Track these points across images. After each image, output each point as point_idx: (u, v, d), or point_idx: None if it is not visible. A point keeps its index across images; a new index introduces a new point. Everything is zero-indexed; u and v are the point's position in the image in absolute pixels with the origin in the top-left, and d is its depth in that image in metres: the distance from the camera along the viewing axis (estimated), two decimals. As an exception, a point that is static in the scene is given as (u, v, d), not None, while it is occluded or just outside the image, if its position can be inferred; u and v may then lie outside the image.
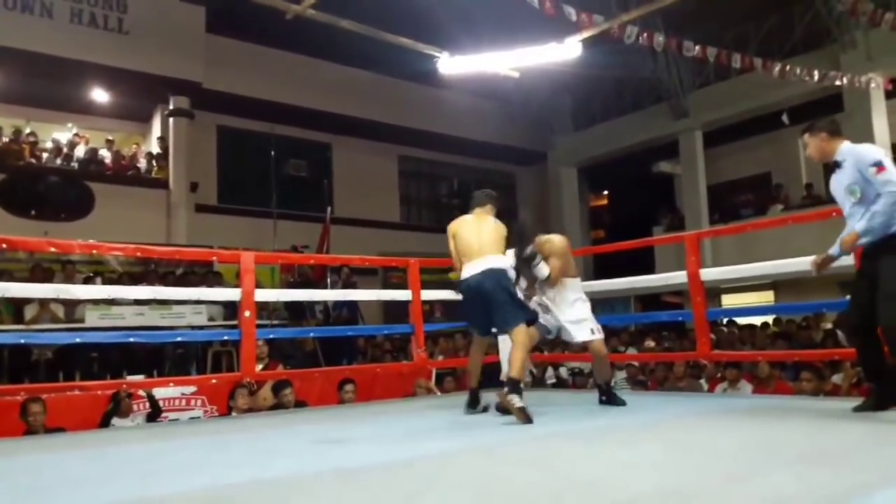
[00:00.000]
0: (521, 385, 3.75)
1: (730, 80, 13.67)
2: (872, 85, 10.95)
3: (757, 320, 10.01)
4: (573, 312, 4.40)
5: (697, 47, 8.83)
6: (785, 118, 13.89)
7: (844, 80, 10.33)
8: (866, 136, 12.27)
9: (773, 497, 2.01)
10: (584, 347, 4.54)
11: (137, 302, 7.42)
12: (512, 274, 4.18)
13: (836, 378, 6.38)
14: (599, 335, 4.43)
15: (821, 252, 4.55)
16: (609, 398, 4.53)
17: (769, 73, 9.80)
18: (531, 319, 4.08)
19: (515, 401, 3.53)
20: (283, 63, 13.56)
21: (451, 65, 9.55)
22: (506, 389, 3.64)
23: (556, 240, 4.51)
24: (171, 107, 12.64)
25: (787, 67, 9.71)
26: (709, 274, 4.90)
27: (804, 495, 2.02)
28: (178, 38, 12.07)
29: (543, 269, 4.41)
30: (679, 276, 5.24)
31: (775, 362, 6.54)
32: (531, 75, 11.47)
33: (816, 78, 10.05)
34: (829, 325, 9.09)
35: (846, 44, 12.27)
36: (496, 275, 4.01)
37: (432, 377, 7.18)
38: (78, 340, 5.87)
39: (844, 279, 11.68)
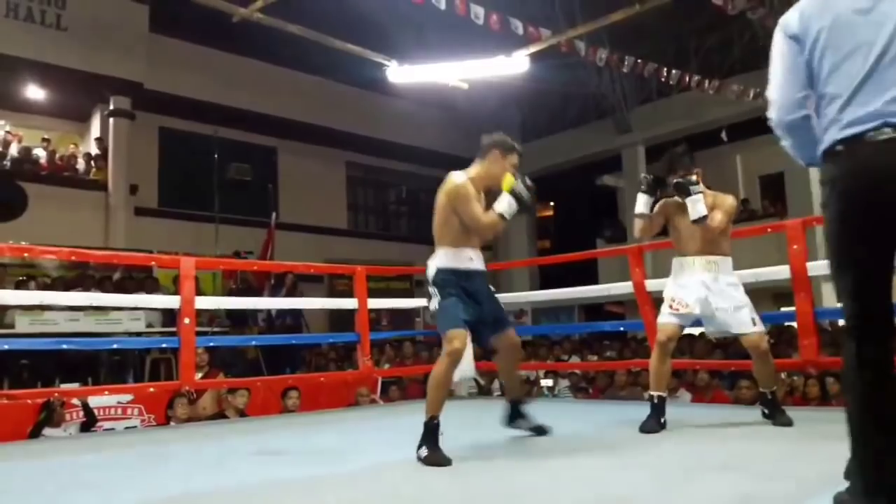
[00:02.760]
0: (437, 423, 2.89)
1: (671, 98, 14.09)
2: (805, 106, 11.39)
3: (696, 330, 10.25)
4: (729, 297, 3.51)
5: (639, 61, 9.06)
6: (723, 135, 14.38)
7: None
8: (799, 154, 12.77)
9: (707, 501, 2.07)
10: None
11: (72, 307, 7.16)
12: (433, 272, 3.13)
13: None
14: (761, 327, 3.55)
15: (757, 265, 4.74)
16: (772, 412, 3.56)
17: (708, 91, 10.12)
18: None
19: (421, 453, 2.80)
20: (229, 65, 13.34)
21: (400, 73, 9.57)
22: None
23: (730, 197, 3.67)
24: (111, 107, 12.29)
25: (725, 86, 10.06)
26: (653, 285, 5.01)
27: (735, 499, 2.08)
28: (120, 36, 11.75)
29: (701, 206, 3.47)
30: (625, 287, 5.34)
31: (713, 371, 6.71)
32: (480, 87, 11.58)
33: (753, 97, 10.42)
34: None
35: (782, 65, 12.75)
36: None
37: (378, 386, 7.13)
38: (6, 347, 5.62)
39: (779, 291, 12.13)
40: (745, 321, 3.47)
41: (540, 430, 3.40)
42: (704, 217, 3.44)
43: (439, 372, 2.94)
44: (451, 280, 3.07)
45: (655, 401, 3.51)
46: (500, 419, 3.41)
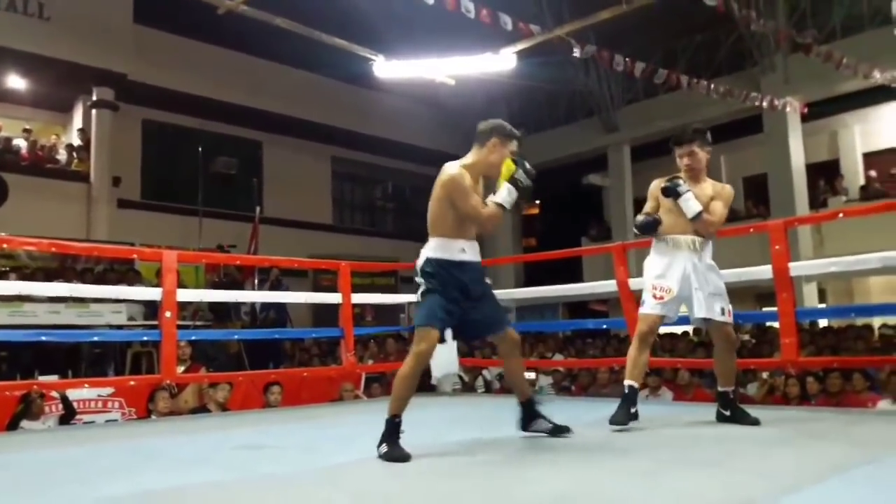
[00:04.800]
0: (397, 422, 2.81)
1: (657, 98, 14.17)
2: (788, 108, 11.51)
3: (677, 329, 10.33)
4: (707, 282, 3.46)
5: (626, 60, 9.10)
6: (708, 136, 14.43)
7: (764, 103, 10.82)
8: (783, 156, 12.92)
9: (685, 495, 2.08)
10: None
11: (52, 299, 7.08)
12: (422, 263, 2.98)
13: (751, 387, 6.66)
14: (730, 319, 3.50)
15: (740, 265, 4.77)
16: (735, 414, 3.48)
17: (694, 92, 10.19)
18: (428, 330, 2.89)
19: (381, 449, 2.74)
20: (214, 58, 13.25)
21: (386, 68, 9.54)
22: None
23: (727, 186, 3.65)
24: (94, 98, 12.18)
25: (711, 87, 10.12)
26: (637, 283, 5.02)
27: (715, 494, 2.09)
28: (104, 26, 11.64)
29: (692, 204, 3.45)
30: (609, 285, 5.36)
31: (695, 370, 6.76)
32: (467, 83, 11.57)
33: (738, 99, 10.51)
34: (745, 336, 9.48)
35: (766, 67, 12.87)
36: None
37: (361, 382, 7.12)
38: (-16, 339, 5.57)
39: (761, 291, 12.22)
40: (715, 309, 3.42)
41: (560, 431, 3.17)
42: (699, 213, 3.43)
43: (405, 372, 2.86)
44: (441, 273, 2.91)
45: (627, 391, 3.45)
46: (516, 423, 3.20)
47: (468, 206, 2.90)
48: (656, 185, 3.64)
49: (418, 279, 2.95)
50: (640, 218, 3.63)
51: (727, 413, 3.51)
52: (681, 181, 3.50)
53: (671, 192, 3.48)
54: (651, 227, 3.58)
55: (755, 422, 3.41)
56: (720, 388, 3.57)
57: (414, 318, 2.91)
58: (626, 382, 3.49)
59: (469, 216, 2.93)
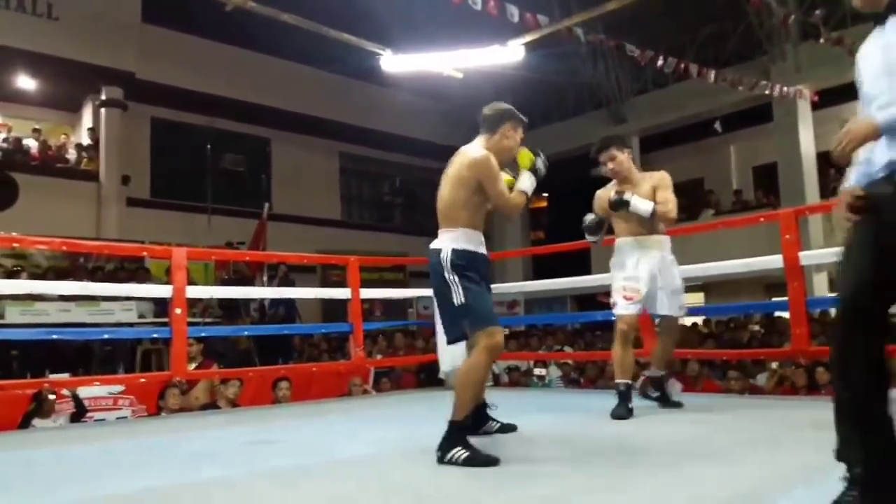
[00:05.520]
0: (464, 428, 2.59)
1: (666, 89, 14.07)
2: (799, 97, 11.41)
3: (687, 321, 10.29)
4: (671, 279, 3.68)
5: (637, 50, 9.05)
6: (717, 126, 14.37)
7: (774, 91, 10.73)
8: (793, 145, 12.80)
9: (688, 491, 2.07)
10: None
11: (63, 298, 7.13)
12: (449, 255, 2.71)
13: (761, 378, 6.62)
14: (685, 312, 3.86)
15: (750, 255, 4.74)
16: (664, 396, 3.84)
17: (703, 82, 10.12)
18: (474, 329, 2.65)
19: (458, 456, 2.48)
20: (222, 55, 13.28)
21: (394, 63, 9.52)
22: (442, 444, 2.54)
23: (661, 172, 3.75)
24: (102, 97, 12.23)
25: (721, 76, 10.04)
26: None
27: (719, 489, 2.08)
28: (112, 26, 11.69)
29: (644, 205, 3.57)
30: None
31: (704, 361, 6.74)
32: (474, 77, 11.54)
33: (747, 88, 10.42)
34: (755, 327, 9.43)
35: (776, 56, 12.76)
36: (431, 258, 2.79)
37: (370, 376, 7.13)
38: (-4, 337, 5.61)
39: (771, 281, 12.14)
40: (680, 305, 3.70)
41: (507, 429, 3.17)
42: (654, 209, 3.58)
43: (477, 367, 2.62)
44: (472, 265, 2.72)
45: (622, 388, 3.61)
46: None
47: (497, 191, 2.77)
48: (601, 196, 3.81)
49: (450, 275, 2.68)
50: (588, 217, 3.80)
51: (655, 395, 3.84)
52: (623, 192, 3.63)
53: (620, 205, 3.63)
54: (598, 228, 3.80)
55: (678, 405, 3.76)
56: (657, 372, 3.86)
57: (470, 319, 2.65)
58: (620, 381, 3.64)
59: (496, 200, 2.79)
